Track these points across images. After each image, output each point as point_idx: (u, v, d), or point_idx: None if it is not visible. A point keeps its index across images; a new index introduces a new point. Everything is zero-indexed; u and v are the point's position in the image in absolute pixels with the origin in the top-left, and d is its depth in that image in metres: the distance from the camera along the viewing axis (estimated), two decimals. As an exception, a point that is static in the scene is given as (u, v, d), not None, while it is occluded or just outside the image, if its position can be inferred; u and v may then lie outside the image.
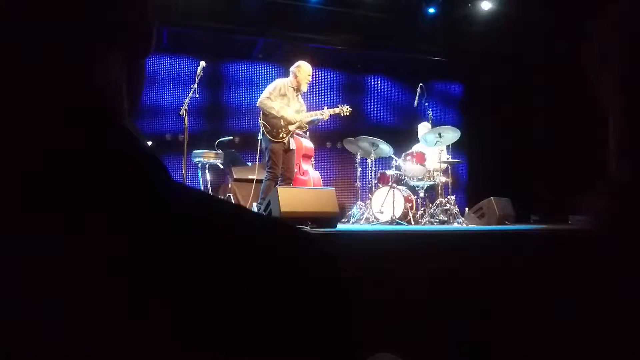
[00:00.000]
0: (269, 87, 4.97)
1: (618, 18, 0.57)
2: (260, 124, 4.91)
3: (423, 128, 6.28)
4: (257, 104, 4.94)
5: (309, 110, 5.17)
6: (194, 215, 0.40)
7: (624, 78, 0.56)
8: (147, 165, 0.40)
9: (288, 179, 4.93)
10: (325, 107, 5.21)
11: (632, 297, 0.47)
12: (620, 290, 0.47)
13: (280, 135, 4.84)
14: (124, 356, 0.33)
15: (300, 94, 5.05)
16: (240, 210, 0.43)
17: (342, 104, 5.40)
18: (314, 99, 5.36)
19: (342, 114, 5.30)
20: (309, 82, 5.01)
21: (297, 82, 4.96)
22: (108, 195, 0.36)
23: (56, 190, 0.35)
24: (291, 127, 4.90)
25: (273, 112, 4.82)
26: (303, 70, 4.96)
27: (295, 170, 5.81)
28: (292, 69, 5.03)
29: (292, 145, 5.01)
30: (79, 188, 0.36)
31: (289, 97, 4.93)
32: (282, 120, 4.84)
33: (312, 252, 0.42)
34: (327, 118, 5.16)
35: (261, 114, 4.92)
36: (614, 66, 0.57)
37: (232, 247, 0.38)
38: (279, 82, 4.99)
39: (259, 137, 5.06)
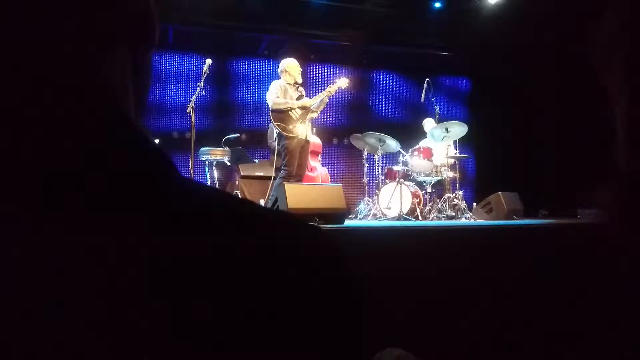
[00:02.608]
0: (272, 89, 5.04)
1: (625, 10, 0.57)
2: (274, 126, 4.95)
3: (429, 123, 6.27)
4: (271, 107, 4.97)
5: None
6: (205, 211, 0.40)
7: (631, 69, 0.55)
8: (156, 161, 0.40)
9: (299, 176, 4.96)
10: (330, 85, 5.26)
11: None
12: (632, 283, 0.47)
13: (297, 128, 4.91)
14: (131, 354, 0.33)
15: (298, 86, 5.14)
16: (252, 206, 0.43)
17: (340, 77, 5.44)
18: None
19: (343, 87, 5.33)
20: (300, 72, 5.16)
21: (291, 76, 5.08)
22: (118, 192, 0.37)
23: (66, 189, 0.35)
24: (301, 115, 4.94)
25: (289, 105, 4.92)
26: (291, 65, 5.10)
27: (303, 167, 5.84)
28: (280, 70, 5.14)
29: (310, 138, 5.07)
30: (88, 186, 0.36)
31: (290, 93, 5.02)
32: (292, 112, 4.90)
33: (324, 248, 0.42)
34: (334, 92, 5.20)
35: (271, 117, 4.96)
36: (621, 58, 0.56)
37: (244, 242, 0.38)
38: (277, 83, 5.08)
39: (272, 140, 5.12)
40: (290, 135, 4.88)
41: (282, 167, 4.92)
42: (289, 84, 5.06)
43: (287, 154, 4.88)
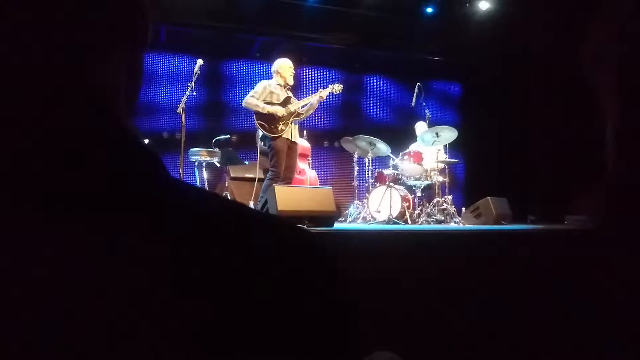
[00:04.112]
0: (255, 87, 5.01)
1: (617, 18, 0.57)
2: (257, 125, 4.91)
3: (421, 127, 6.30)
4: (242, 104, 4.98)
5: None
6: (194, 213, 0.40)
7: (622, 77, 0.56)
8: (145, 162, 0.40)
9: (288, 179, 4.92)
10: (320, 89, 5.20)
11: (631, 297, 0.47)
12: (619, 290, 0.48)
13: (280, 128, 4.84)
14: (123, 355, 0.33)
15: (289, 87, 5.08)
16: (241, 208, 0.43)
17: (334, 82, 5.42)
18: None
19: (334, 92, 5.29)
20: (292, 74, 5.09)
21: (282, 77, 5.02)
22: (106, 193, 0.36)
23: (57, 190, 0.35)
24: (285, 118, 4.89)
25: (258, 109, 4.84)
26: (283, 66, 5.04)
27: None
28: (273, 69, 5.09)
29: (296, 138, 5.02)
30: (75, 186, 0.36)
31: (278, 93, 4.96)
32: (271, 115, 4.85)
33: (312, 250, 0.42)
34: (325, 97, 5.15)
35: (254, 116, 4.93)
36: (612, 66, 0.57)
37: (233, 244, 0.38)
38: (264, 82, 5.03)
39: (258, 139, 5.08)
40: (273, 135, 4.83)
41: (270, 168, 4.87)
42: (278, 84, 5.01)
43: (274, 154, 4.83)
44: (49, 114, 0.37)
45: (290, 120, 4.94)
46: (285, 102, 4.97)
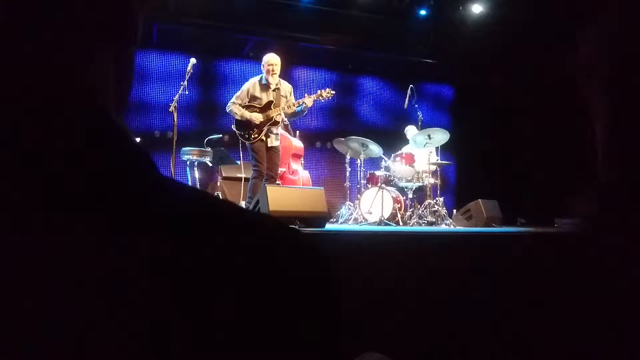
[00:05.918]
0: (237, 92, 4.98)
1: (607, 23, 0.58)
2: (234, 130, 4.93)
3: (411, 131, 6.31)
4: (227, 109, 4.98)
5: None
6: (187, 212, 0.40)
7: (611, 81, 0.56)
8: (136, 161, 0.40)
9: (272, 178, 4.89)
10: (306, 95, 5.03)
11: (620, 298, 0.47)
12: (608, 292, 0.48)
13: (253, 136, 4.84)
14: (115, 354, 0.32)
15: (274, 86, 4.92)
16: (233, 207, 0.43)
17: (326, 83, 5.30)
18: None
19: (321, 99, 5.11)
20: (270, 70, 4.86)
21: (265, 74, 4.90)
22: (96, 192, 0.36)
23: (44, 190, 0.35)
24: (261, 125, 4.84)
25: (237, 116, 4.87)
26: (263, 62, 4.92)
27: (284, 170, 5.78)
28: None
29: (273, 143, 4.93)
30: (66, 186, 0.35)
31: (262, 97, 4.90)
32: (248, 121, 4.83)
33: (305, 250, 0.42)
34: (310, 104, 4.98)
35: (233, 121, 4.94)
36: (602, 70, 0.57)
37: (225, 243, 0.38)
38: (250, 83, 4.97)
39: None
40: (247, 142, 4.85)
41: (252, 167, 4.89)
42: (264, 84, 4.91)
43: (253, 154, 4.86)
44: (34, 113, 0.36)
45: (265, 127, 4.85)
46: (265, 108, 4.88)
